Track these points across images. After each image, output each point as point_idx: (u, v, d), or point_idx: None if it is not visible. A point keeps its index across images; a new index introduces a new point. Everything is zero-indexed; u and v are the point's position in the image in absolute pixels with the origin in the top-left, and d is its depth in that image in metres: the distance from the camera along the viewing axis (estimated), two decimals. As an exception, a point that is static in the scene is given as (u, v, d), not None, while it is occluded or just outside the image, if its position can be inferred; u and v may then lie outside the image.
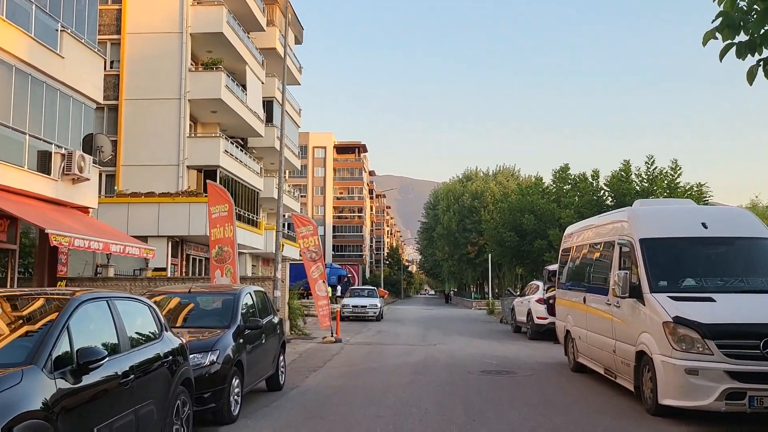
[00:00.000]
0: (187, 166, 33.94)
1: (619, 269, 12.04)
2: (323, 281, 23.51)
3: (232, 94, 35.81)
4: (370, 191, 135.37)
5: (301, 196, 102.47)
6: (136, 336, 7.27)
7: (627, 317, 11.54)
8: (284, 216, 46.46)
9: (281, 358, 13.05)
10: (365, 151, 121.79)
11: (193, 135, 35.44)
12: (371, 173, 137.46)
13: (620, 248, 12.33)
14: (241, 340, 10.47)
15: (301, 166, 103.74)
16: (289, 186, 56.16)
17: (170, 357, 7.76)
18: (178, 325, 10.58)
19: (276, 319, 13.14)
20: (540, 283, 26.21)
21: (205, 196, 32.33)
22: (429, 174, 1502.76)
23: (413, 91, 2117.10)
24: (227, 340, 10.04)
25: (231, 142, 36.65)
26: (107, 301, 6.88)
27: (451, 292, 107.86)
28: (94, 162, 21.62)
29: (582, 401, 11.78)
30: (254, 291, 12.28)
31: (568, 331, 16.01)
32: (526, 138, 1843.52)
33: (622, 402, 11.60)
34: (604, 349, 12.87)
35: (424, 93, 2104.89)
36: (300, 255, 24.06)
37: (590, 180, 34.10)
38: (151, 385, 7.19)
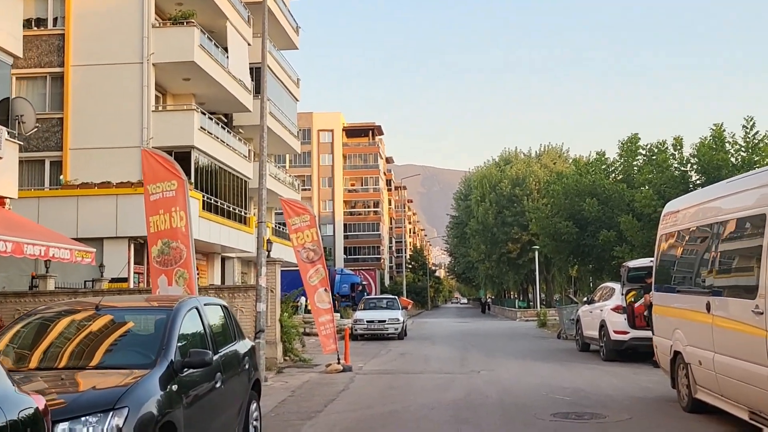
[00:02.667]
0: (153, 148, 31.05)
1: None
2: (325, 289, 20.46)
3: (209, 57, 33.01)
4: (388, 182, 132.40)
5: (305, 189, 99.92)
6: None
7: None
8: (277, 210, 43.76)
9: (253, 406, 10.01)
10: (381, 133, 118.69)
11: (160, 108, 32.66)
12: (388, 160, 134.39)
13: (779, 225, 9.13)
14: (175, 387, 7.40)
15: (304, 153, 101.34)
16: (288, 175, 53.43)
17: (-1, 439, 4.67)
18: (67, 365, 7.52)
19: (244, 347, 10.11)
20: (616, 286, 23.06)
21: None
22: (457, 162, 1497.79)
23: (437, 65, 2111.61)
24: (147, 389, 6.98)
25: (209, 118, 33.87)
26: None
27: (489, 300, 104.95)
28: (12, 135, 18.67)
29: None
30: (205, 306, 9.22)
31: (677, 353, 12.85)
32: (573, 115, 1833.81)
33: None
34: (753, 384, 9.69)
35: (449, 67, 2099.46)
36: (294, 254, 21.01)
37: (671, 150, 30.83)
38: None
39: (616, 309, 21.74)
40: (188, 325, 8.43)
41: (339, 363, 20.19)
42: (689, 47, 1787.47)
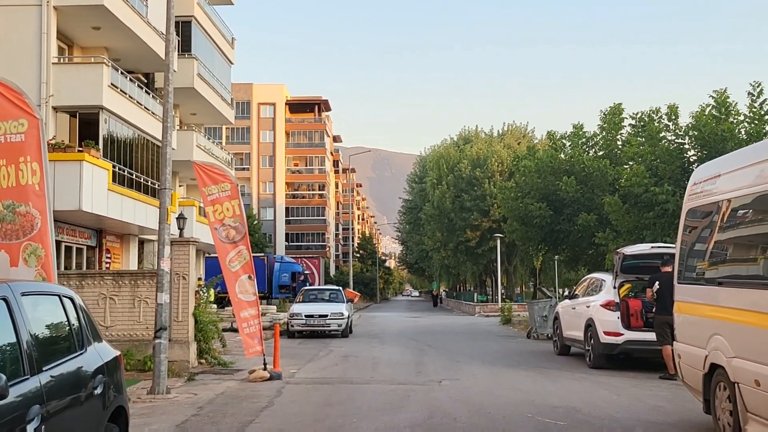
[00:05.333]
0: (54, 108, 28.35)
1: None
2: (249, 276, 17.43)
3: (123, 1, 29.70)
4: (335, 163, 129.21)
5: (243, 168, 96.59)
6: None
7: None
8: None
9: (110, 449, 7.01)
10: (328, 109, 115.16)
11: (62, 61, 29.40)
12: (336, 139, 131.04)
13: None
14: None
15: (243, 128, 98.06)
16: (225, 152, 50.30)
17: None
18: None
19: (97, 359, 7.13)
20: (606, 277, 20.36)
21: (80, 152, 26.66)
22: (411, 146, 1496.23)
23: (390, 39, 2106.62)
24: None
25: (123, 74, 30.67)
26: None
27: (443, 293, 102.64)
28: None
29: None
30: (25, 297, 6.17)
31: (715, 367, 10.13)
32: (539, 95, 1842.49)
33: None
34: None
35: (404, 42, 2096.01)
36: (211, 233, 17.94)
37: (665, 121, 28.22)
38: None
39: (607, 305, 19.01)
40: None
41: (265, 369, 17.23)
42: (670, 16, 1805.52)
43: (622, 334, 18.52)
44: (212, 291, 21.96)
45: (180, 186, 44.03)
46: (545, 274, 76.53)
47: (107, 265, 31.98)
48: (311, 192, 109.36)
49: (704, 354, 10.43)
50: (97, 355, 7.18)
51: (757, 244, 9.24)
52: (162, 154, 15.80)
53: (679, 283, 11.73)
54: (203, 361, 19.27)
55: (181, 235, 18.64)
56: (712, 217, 10.57)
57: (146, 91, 33.46)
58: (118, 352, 7.81)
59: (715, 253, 10.47)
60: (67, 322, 6.87)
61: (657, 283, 16.79)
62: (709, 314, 10.40)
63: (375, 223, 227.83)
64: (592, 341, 19.38)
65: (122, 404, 7.53)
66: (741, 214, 9.80)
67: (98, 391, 6.88)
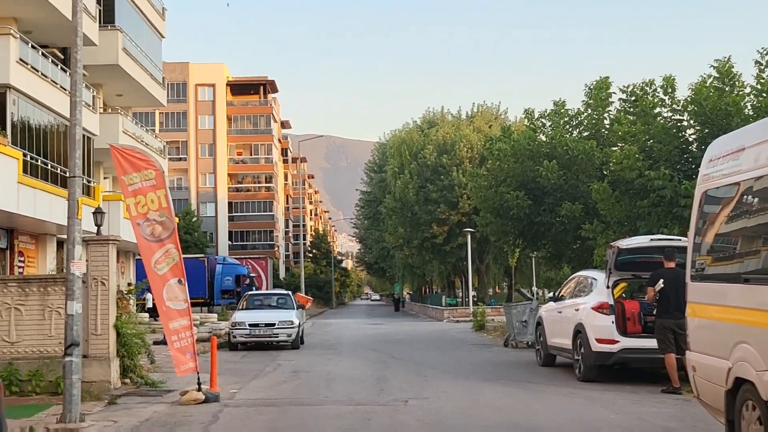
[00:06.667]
0: None
1: None
2: (180, 281, 16.49)
3: (33, -34, 28.99)
4: (284, 151, 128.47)
5: (179, 158, 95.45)
6: None
7: None
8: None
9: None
10: (274, 90, 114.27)
11: (-39, 32, 28.59)
12: (284, 125, 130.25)
13: None
14: None
15: (179, 113, 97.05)
16: (158, 140, 49.45)
17: None
18: None
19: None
20: (597, 275, 19.76)
21: (-17, 138, 25.79)
22: (368, 132, 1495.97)
23: (344, 12, 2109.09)
24: None
25: (34, 47, 29.96)
26: None
27: (406, 296, 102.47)
28: None
29: None
30: None
31: (741, 382, 9.40)
32: (512, 74, 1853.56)
33: None
34: None
35: (359, 16, 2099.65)
36: (133, 229, 16.97)
37: (660, 95, 27.69)
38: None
39: (600, 308, 18.38)
40: None
41: (200, 389, 16.29)
42: None
43: (618, 342, 17.90)
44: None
45: (105, 178, 43.14)
46: (521, 273, 76.37)
47: (20, 270, 31.05)
48: (257, 184, 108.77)
49: (727, 366, 9.69)
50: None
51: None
52: (70, 135, 14.60)
53: (692, 281, 10.99)
54: (128, 380, 18.34)
55: (98, 232, 17.58)
56: (735, 200, 9.83)
57: (63, 69, 32.47)
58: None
59: (740, 244, 9.72)
60: None
61: (661, 281, 16.19)
62: (732, 318, 9.67)
63: (330, 219, 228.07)
64: (582, 350, 18.78)
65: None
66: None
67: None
